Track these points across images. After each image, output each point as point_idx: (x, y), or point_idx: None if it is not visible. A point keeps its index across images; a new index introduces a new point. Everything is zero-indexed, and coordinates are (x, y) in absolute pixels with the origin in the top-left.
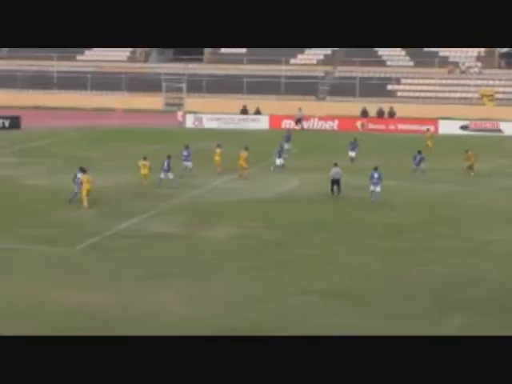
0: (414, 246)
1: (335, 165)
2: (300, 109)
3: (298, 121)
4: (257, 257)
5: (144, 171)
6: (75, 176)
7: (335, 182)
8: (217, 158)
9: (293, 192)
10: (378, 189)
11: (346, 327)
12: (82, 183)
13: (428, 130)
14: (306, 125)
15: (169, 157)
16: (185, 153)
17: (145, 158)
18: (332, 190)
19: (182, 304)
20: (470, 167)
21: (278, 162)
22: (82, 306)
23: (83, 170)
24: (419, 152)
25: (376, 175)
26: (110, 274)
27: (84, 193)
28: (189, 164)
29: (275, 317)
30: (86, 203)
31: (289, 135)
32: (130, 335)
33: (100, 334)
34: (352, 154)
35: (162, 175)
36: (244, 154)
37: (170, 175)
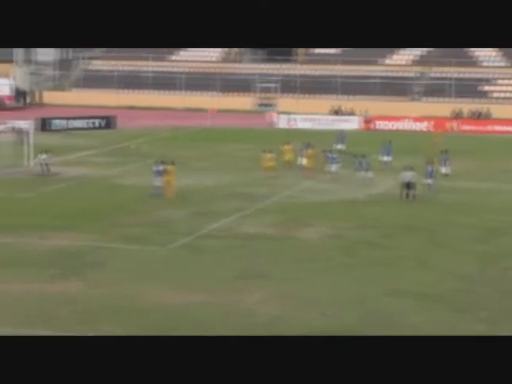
0: (511, 248)
1: (406, 168)
2: (367, 110)
3: (368, 121)
4: (349, 257)
5: (289, 156)
6: (158, 170)
7: (407, 185)
8: (288, 156)
9: (383, 193)
10: (430, 181)
11: (441, 330)
12: (167, 173)
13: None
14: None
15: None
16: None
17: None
18: (401, 193)
19: (275, 305)
20: None
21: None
22: (175, 306)
23: (164, 162)
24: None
25: (430, 169)
26: (203, 274)
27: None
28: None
29: (369, 318)
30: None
31: (343, 136)
32: (224, 335)
33: (194, 335)
34: (387, 158)
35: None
36: (310, 152)
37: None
